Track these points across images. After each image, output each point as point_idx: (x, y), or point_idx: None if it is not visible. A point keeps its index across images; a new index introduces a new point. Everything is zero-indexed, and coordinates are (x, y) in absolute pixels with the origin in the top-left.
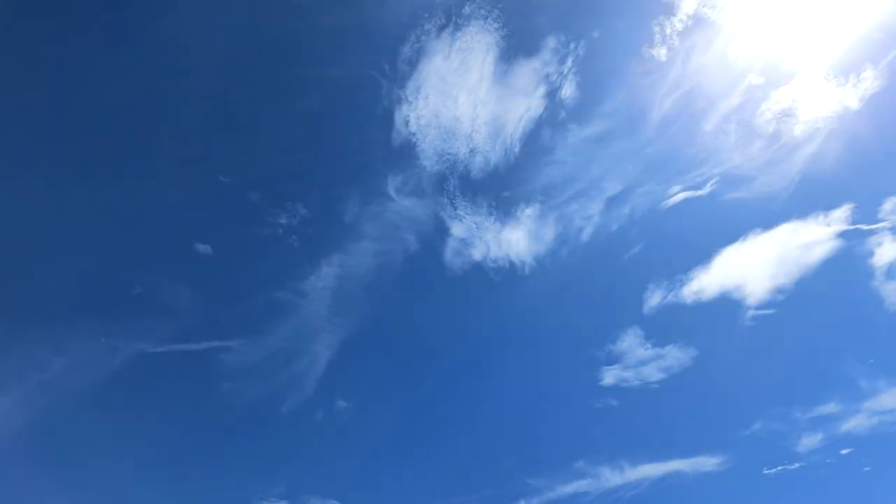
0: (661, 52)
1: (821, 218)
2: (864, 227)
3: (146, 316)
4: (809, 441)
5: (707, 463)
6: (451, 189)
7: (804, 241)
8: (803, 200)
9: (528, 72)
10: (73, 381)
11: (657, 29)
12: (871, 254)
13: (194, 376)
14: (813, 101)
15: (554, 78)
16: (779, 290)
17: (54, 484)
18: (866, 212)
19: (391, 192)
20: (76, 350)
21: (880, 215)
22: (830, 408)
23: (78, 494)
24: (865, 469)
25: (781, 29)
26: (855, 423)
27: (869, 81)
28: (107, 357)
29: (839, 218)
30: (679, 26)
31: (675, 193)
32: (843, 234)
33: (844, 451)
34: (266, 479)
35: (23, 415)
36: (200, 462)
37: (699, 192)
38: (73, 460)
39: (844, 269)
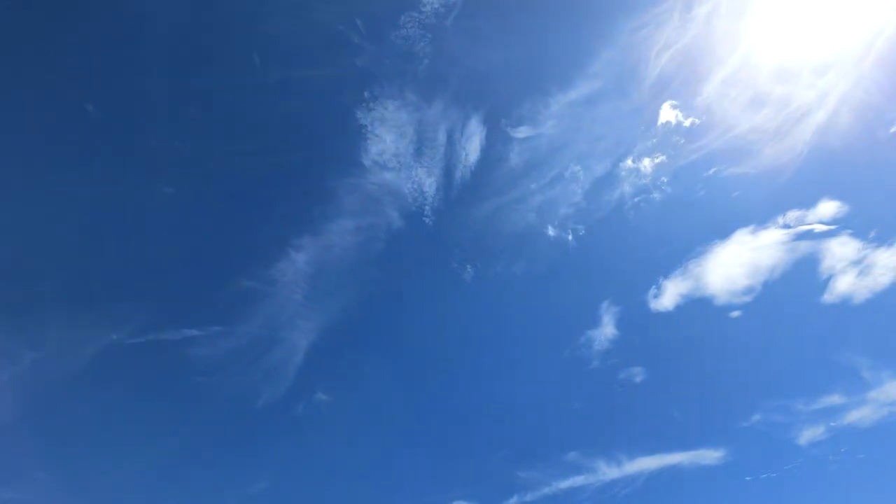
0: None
1: (819, 205)
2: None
3: (119, 307)
4: (811, 433)
5: (707, 456)
6: (433, 166)
7: (803, 230)
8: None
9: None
10: (45, 374)
11: None
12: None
13: (167, 368)
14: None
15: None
16: (777, 281)
17: (27, 478)
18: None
19: (367, 162)
20: (49, 342)
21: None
22: (834, 399)
23: (51, 489)
24: (865, 461)
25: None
26: (859, 416)
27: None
28: (79, 349)
29: (835, 208)
30: None
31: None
32: (840, 226)
33: (844, 449)
34: (247, 476)
35: None
36: (178, 457)
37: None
38: (46, 454)
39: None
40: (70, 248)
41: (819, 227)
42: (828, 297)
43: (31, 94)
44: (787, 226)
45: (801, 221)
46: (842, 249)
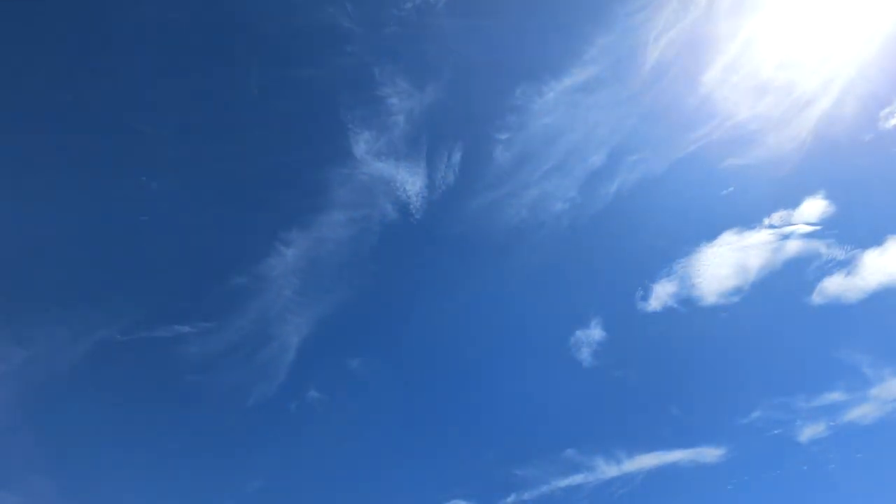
0: None
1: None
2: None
3: (109, 304)
4: (812, 431)
5: (707, 454)
6: (424, 160)
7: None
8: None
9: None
10: (36, 372)
11: None
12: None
13: (158, 365)
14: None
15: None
16: (779, 278)
17: (18, 477)
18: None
19: (357, 156)
20: (39, 339)
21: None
22: (835, 396)
23: (41, 488)
24: (866, 458)
25: None
26: (860, 413)
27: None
28: (69, 346)
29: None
30: None
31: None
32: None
33: (845, 446)
34: (240, 475)
35: None
36: (170, 455)
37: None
38: (36, 453)
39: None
40: (59, 244)
41: (809, 226)
42: (832, 293)
43: (21, 89)
44: (792, 217)
45: (807, 210)
46: (835, 247)
